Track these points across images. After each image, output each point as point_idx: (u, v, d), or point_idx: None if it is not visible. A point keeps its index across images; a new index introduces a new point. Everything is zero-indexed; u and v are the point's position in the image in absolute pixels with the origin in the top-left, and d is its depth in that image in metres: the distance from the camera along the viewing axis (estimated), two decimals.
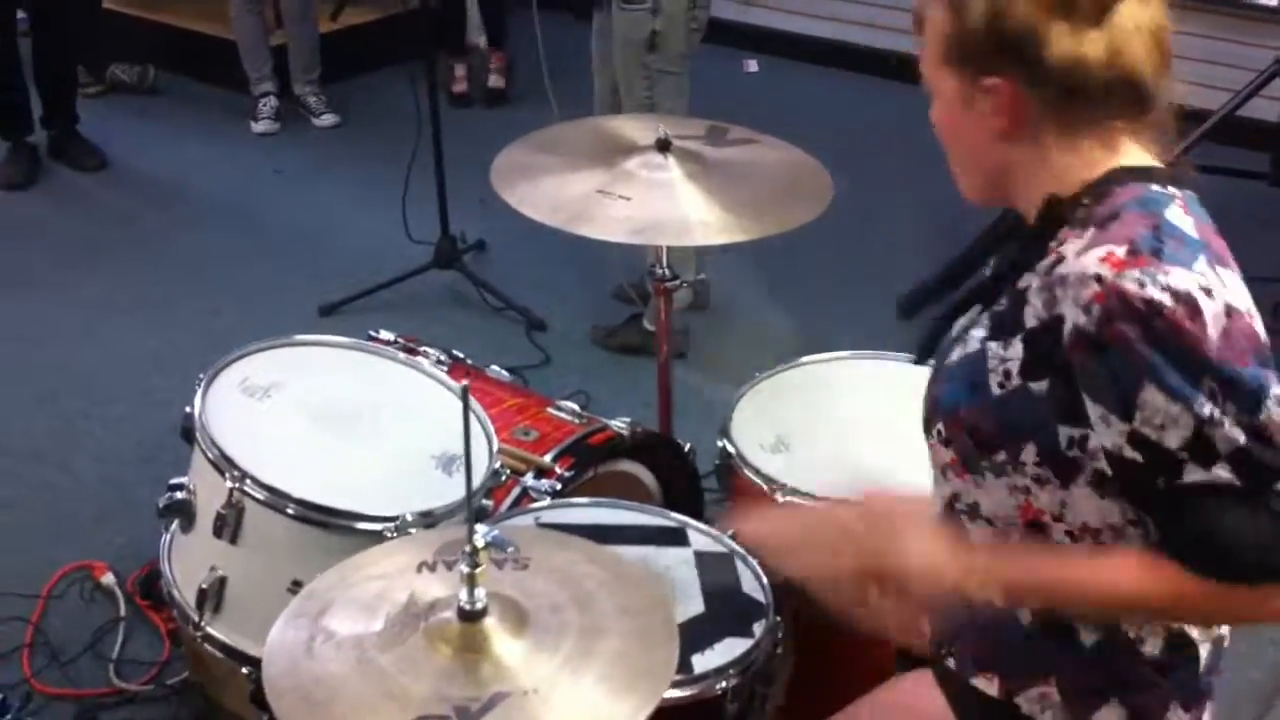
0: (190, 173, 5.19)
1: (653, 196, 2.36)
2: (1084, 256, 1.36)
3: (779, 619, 1.87)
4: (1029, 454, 1.44)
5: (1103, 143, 1.44)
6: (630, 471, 2.43)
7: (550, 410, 2.48)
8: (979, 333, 1.49)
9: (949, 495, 1.56)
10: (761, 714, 1.85)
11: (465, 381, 1.38)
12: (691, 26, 3.65)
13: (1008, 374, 1.43)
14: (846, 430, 2.33)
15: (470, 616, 1.44)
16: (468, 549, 1.41)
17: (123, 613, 2.87)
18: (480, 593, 1.44)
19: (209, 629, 2.03)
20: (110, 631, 2.84)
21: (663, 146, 2.44)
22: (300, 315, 4.03)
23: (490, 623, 1.45)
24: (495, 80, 5.80)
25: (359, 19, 5.90)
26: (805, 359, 2.53)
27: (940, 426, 1.53)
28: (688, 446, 2.53)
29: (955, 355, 1.53)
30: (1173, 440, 1.33)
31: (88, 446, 3.51)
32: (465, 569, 1.42)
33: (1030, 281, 1.42)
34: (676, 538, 2.03)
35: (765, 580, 1.92)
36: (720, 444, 2.34)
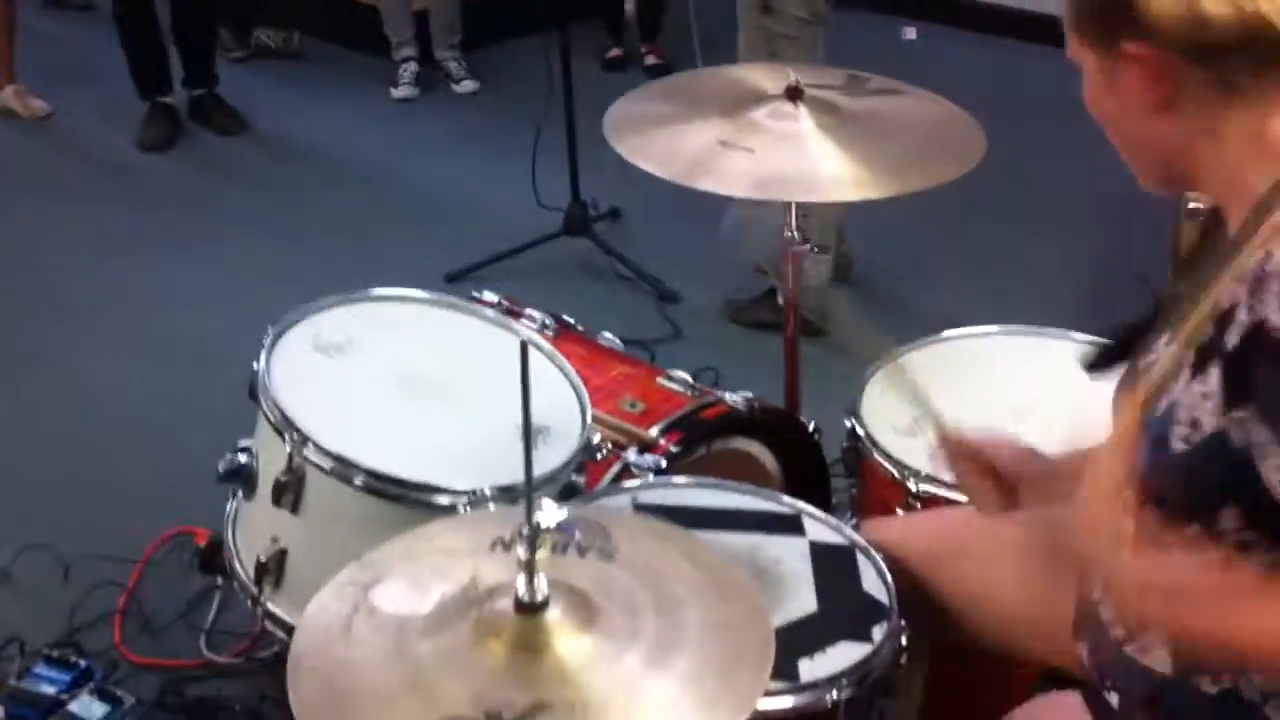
0: (328, 138, 5.13)
1: (779, 149, 2.13)
2: None
3: (904, 623, 1.63)
4: (1229, 518, 1.19)
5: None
6: (748, 451, 2.21)
7: (660, 381, 2.26)
8: (1183, 375, 1.22)
9: None
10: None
11: (523, 338, 1.18)
12: None
13: (1195, 423, 1.18)
14: (992, 412, 2.06)
15: (526, 609, 1.24)
16: (525, 531, 1.21)
17: (219, 581, 2.72)
18: (541, 582, 1.24)
19: (269, 604, 1.86)
20: (205, 600, 2.72)
21: (793, 95, 2.21)
22: (427, 281, 3.85)
23: (550, 618, 1.24)
24: (651, 60, 5.61)
25: None
26: (949, 333, 2.29)
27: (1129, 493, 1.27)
28: (812, 425, 2.29)
29: (1161, 406, 1.25)
30: None
31: (203, 411, 3.41)
32: (522, 555, 1.22)
33: (1237, 295, 1.15)
34: (790, 526, 1.79)
35: (889, 579, 1.68)
36: (849, 424, 2.11)
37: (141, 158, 4.93)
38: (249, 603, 1.89)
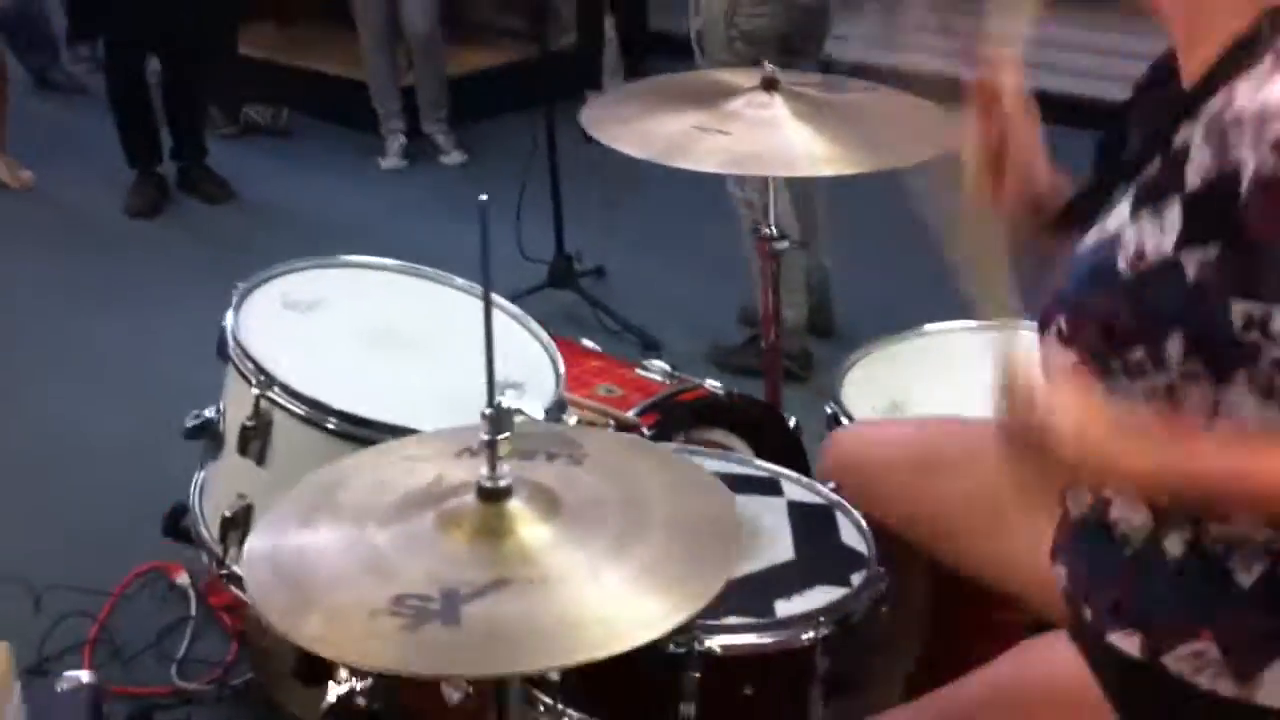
0: (314, 206, 5.14)
1: (755, 131, 2.14)
2: (1266, 89, 1.11)
3: (883, 570, 1.58)
4: (1174, 346, 1.20)
5: None
6: (725, 444, 2.17)
7: (637, 371, 2.24)
8: (1122, 211, 1.25)
9: None
10: (860, 677, 1.55)
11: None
12: (731, 34, 3.40)
13: (1141, 253, 1.20)
14: (967, 394, 2.03)
15: (489, 495, 1.20)
16: (488, 412, 1.17)
17: (192, 612, 2.70)
18: (504, 470, 1.20)
19: (235, 567, 1.80)
20: (177, 630, 2.67)
21: (769, 85, 2.21)
22: None
23: (513, 506, 1.21)
24: None
25: (491, 62, 5.90)
26: (929, 327, 2.28)
27: (1061, 321, 1.30)
28: (793, 422, 2.26)
29: (1089, 240, 1.30)
30: None
31: (178, 451, 3.33)
32: (485, 436, 1.18)
33: (1191, 133, 1.17)
34: (768, 487, 1.76)
35: (867, 527, 1.63)
36: (829, 410, 2.08)
37: (127, 223, 4.93)
38: (214, 565, 1.83)
